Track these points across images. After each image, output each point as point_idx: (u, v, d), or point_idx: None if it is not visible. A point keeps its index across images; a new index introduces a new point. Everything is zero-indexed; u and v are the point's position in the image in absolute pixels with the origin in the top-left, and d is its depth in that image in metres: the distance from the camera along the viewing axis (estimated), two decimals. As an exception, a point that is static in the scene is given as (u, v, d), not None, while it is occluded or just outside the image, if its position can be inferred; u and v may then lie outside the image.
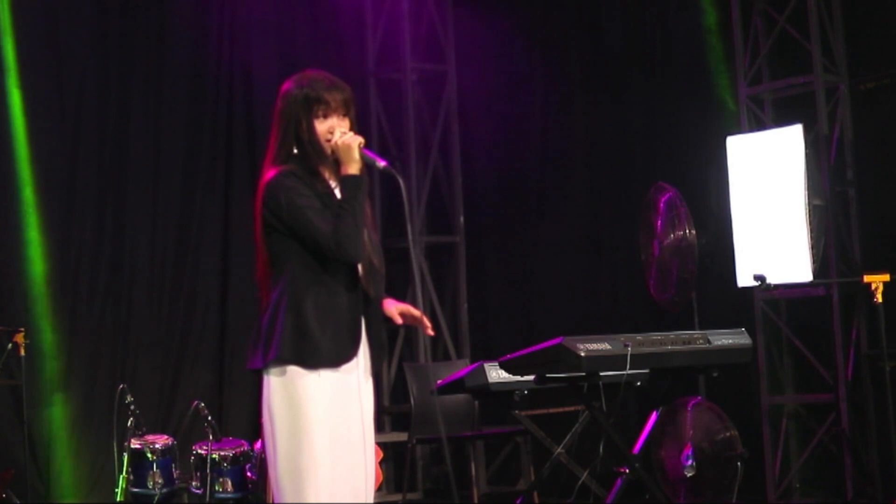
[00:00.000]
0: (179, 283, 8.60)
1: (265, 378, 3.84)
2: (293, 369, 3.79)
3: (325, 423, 3.79)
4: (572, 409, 7.11)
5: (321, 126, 3.92)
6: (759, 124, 7.68)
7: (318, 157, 3.91)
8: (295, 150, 3.92)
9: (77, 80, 8.32)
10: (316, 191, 3.86)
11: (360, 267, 3.90)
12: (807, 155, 7.09)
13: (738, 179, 7.43)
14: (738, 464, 7.04)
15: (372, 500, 3.94)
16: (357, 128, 3.99)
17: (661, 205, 7.53)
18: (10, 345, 7.23)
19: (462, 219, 9.50)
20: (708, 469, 7.14)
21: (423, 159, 9.48)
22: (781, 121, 7.55)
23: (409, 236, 4.14)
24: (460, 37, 9.49)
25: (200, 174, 8.75)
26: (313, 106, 3.91)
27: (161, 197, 8.58)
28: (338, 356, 3.82)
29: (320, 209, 3.82)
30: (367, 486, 3.92)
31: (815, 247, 7.05)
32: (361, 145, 3.90)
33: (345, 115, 3.96)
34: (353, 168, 3.87)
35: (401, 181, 3.95)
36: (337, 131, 3.90)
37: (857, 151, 7.46)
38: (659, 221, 7.54)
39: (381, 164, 3.91)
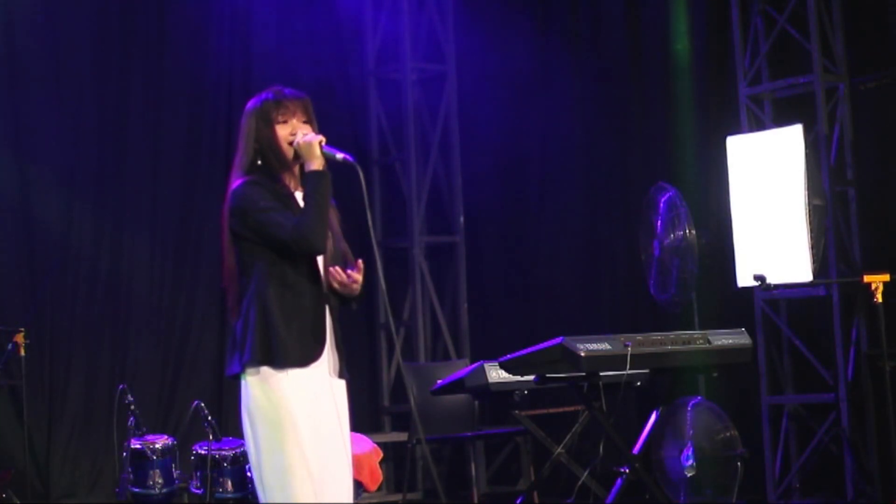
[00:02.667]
0: (179, 283, 8.60)
1: (242, 381, 3.94)
2: (266, 370, 3.88)
3: (304, 420, 3.87)
4: (572, 409, 7.12)
5: (283, 130, 4.02)
6: (759, 124, 7.68)
7: (279, 162, 4.02)
8: (259, 162, 4.03)
9: (76, 80, 8.32)
10: (278, 195, 3.97)
11: (322, 272, 3.98)
12: (807, 155, 7.08)
13: (738, 179, 7.43)
14: (738, 464, 7.03)
15: (351, 498, 3.97)
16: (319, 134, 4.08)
17: (661, 205, 7.53)
18: (9, 345, 7.23)
19: (462, 219, 9.50)
20: (708, 469, 7.14)
21: (423, 159, 9.48)
22: (781, 121, 7.54)
23: (371, 231, 4.17)
24: (460, 37, 9.49)
25: (200, 175, 8.75)
26: (272, 112, 4.02)
27: (161, 197, 8.59)
28: (305, 356, 3.91)
29: (282, 208, 3.93)
30: (346, 483, 3.97)
31: (815, 247, 7.05)
32: (322, 143, 3.99)
33: (305, 121, 4.06)
34: (316, 164, 3.97)
35: (360, 173, 4.03)
36: (299, 133, 4.00)
37: (857, 151, 7.45)
38: (659, 221, 7.54)
39: (340, 156, 3.99)
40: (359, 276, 3.99)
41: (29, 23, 8.17)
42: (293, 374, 3.87)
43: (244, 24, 8.98)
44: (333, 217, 4.09)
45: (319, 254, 3.94)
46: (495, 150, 9.34)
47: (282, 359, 3.86)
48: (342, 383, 4.05)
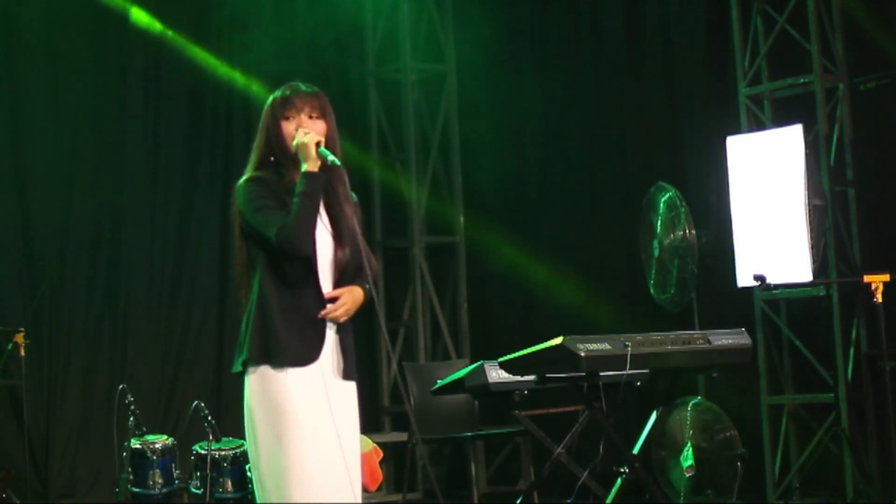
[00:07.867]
0: (179, 284, 8.60)
1: (245, 379, 3.92)
2: (265, 369, 3.86)
3: (303, 421, 3.84)
4: (572, 409, 7.11)
5: (288, 127, 4.00)
6: (759, 124, 7.68)
7: (286, 159, 4.00)
8: (272, 158, 4.02)
9: (75, 80, 8.32)
10: (279, 193, 3.94)
11: (330, 271, 3.94)
12: (806, 155, 7.08)
13: (738, 179, 7.43)
14: (738, 464, 7.03)
15: (359, 499, 3.94)
16: (336, 134, 4.05)
17: (661, 205, 7.54)
18: (9, 345, 7.23)
19: (462, 219, 9.50)
20: (708, 469, 7.14)
21: (423, 159, 9.48)
22: (781, 121, 7.54)
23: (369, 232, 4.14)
24: (460, 37, 9.49)
25: (200, 175, 8.75)
26: (279, 109, 4.01)
27: (160, 197, 8.59)
28: (304, 356, 3.88)
29: (275, 208, 3.90)
30: (348, 486, 3.91)
31: (814, 247, 7.05)
32: (319, 144, 3.95)
33: (317, 118, 4.02)
34: (310, 165, 3.93)
35: (345, 176, 4.01)
36: (300, 131, 3.97)
37: (856, 151, 7.45)
38: (659, 221, 7.54)
39: (331, 157, 3.95)
40: (337, 307, 3.90)
41: (28, 24, 8.17)
42: (292, 374, 3.84)
43: (244, 23, 8.98)
44: (351, 213, 4.03)
45: (304, 256, 3.89)
46: (495, 149, 9.34)
47: (281, 358, 3.84)
48: (351, 385, 4.00)
